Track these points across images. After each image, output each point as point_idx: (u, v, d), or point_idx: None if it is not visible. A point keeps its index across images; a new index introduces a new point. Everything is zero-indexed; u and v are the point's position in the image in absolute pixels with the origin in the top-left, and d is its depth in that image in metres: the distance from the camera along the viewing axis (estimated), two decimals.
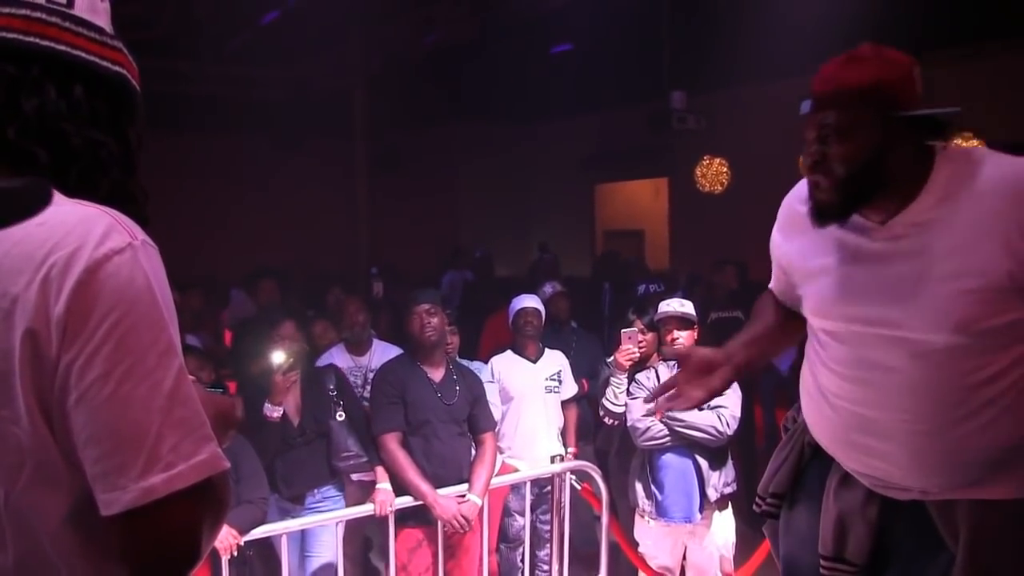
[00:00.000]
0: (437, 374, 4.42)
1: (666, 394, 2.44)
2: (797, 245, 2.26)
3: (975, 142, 8.06)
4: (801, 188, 2.20)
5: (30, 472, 1.06)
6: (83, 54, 1.18)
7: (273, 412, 4.19)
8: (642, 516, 4.39)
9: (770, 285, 2.53)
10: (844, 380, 2.12)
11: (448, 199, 15.19)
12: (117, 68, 1.23)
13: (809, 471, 2.37)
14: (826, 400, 2.18)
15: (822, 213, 2.05)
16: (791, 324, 2.43)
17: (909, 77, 1.97)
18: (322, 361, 5.05)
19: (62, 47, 1.16)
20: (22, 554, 1.08)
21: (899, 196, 1.99)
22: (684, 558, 4.43)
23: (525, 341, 5.36)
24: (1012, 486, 1.79)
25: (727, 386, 2.39)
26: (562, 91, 11.63)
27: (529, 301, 5.47)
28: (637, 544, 4.46)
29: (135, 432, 1.02)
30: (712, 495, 4.23)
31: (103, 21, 1.23)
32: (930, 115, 1.95)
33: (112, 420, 1.02)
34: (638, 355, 4.55)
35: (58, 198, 1.10)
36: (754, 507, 2.51)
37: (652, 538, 4.38)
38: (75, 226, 1.05)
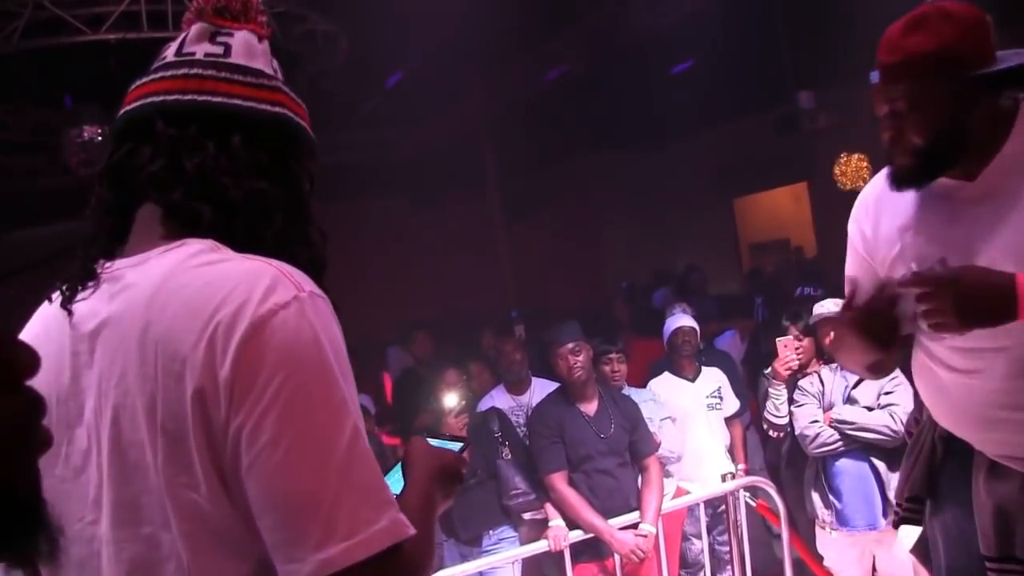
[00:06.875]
0: (590, 408, 4.42)
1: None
2: (884, 229, 2.08)
3: None
4: (875, 183, 2.11)
5: (211, 541, 1.02)
6: (239, 101, 1.19)
7: None
8: (823, 527, 4.23)
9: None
10: (970, 356, 1.91)
11: (588, 231, 15.16)
12: (276, 109, 1.23)
13: (947, 469, 2.16)
14: (955, 384, 1.99)
15: (901, 178, 1.93)
16: None
17: (978, 33, 1.81)
18: (483, 404, 5.11)
19: (218, 99, 1.18)
20: None
21: (983, 151, 1.84)
22: (874, 569, 4.26)
23: (682, 360, 5.32)
24: None
25: None
26: (688, 109, 11.51)
27: (684, 320, 5.43)
28: (822, 558, 4.32)
29: (310, 500, 0.97)
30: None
31: (261, 63, 1.24)
32: (1006, 70, 1.78)
33: (285, 488, 0.97)
34: (797, 363, 4.44)
35: (225, 253, 1.11)
36: (892, 514, 2.33)
37: (836, 550, 4.22)
38: (239, 282, 1.03)
